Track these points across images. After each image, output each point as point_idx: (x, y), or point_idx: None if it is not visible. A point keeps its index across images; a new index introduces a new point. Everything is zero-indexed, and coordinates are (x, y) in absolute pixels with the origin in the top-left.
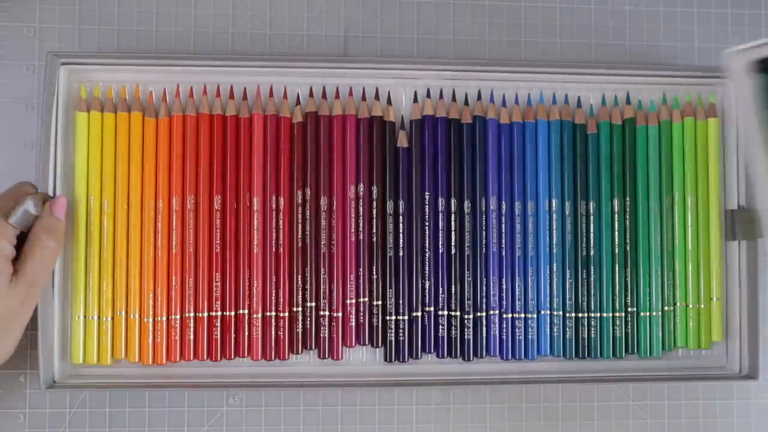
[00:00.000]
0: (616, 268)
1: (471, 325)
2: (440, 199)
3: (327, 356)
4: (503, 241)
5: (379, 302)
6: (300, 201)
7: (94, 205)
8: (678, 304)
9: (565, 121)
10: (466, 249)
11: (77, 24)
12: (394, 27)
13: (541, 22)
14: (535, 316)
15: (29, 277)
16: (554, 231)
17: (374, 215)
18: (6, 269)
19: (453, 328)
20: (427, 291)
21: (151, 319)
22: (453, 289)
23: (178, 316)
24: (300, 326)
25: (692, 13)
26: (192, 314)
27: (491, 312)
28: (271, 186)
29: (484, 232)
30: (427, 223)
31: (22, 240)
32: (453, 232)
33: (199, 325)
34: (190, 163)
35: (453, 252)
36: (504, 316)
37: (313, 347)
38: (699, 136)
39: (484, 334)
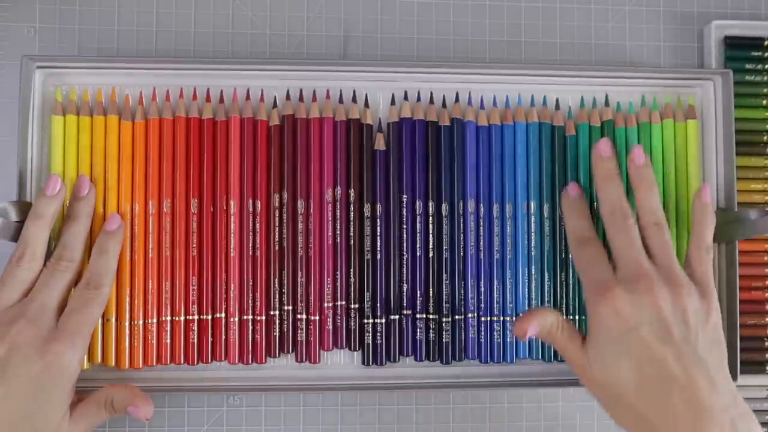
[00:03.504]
0: None
1: (449, 328)
2: (418, 202)
3: (304, 360)
4: (481, 243)
5: (357, 305)
6: (277, 204)
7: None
8: None
9: (543, 124)
10: (444, 252)
11: (77, 24)
12: (393, 27)
13: (541, 23)
14: (513, 318)
15: None
16: (532, 233)
17: (351, 218)
18: None
19: (431, 331)
20: (404, 294)
21: (127, 323)
22: (431, 292)
23: (154, 320)
24: (277, 330)
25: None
26: (169, 318)
27: (469, 315)
28: (248, 189)
29: (461, 234)
30: (404, 226)
31: None
32: (430, 235)
33: (175, 329)
34: (166, 167)
35: (431, 255)
36: (482, 319)
37: (291, 351)
38: (678, 138)
39: (462, 338)
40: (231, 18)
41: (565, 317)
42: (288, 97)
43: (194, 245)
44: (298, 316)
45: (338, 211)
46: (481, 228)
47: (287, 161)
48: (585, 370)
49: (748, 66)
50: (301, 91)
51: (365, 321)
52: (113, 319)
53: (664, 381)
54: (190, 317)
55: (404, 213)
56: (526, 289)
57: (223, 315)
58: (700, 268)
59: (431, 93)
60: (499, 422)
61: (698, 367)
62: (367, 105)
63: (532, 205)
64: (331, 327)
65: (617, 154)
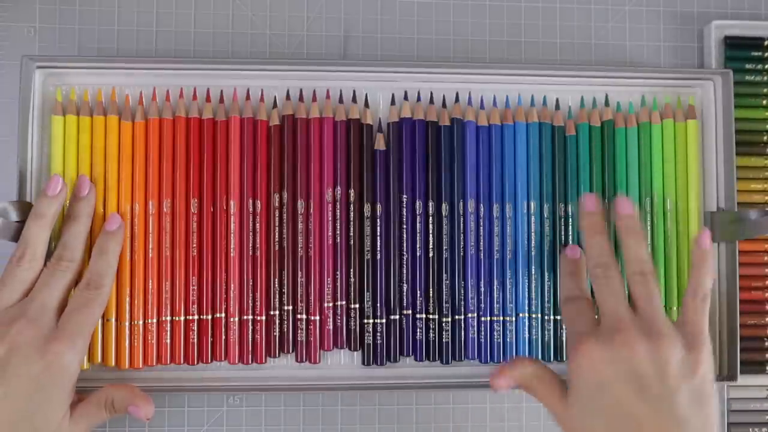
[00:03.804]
0: None
1: (449, 328)
2: (418, 202)
3: (304, 360)
4: (481, 243)
5: (357, 305)
6: (277, 204)
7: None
8: None
9: (543, 123)
10: (444, 252)
11: (77, 24)
12: (393, 27)
13: (541, 23)
14: (513, 319)
15: None
16: (532, 233)
17: (351, 218)
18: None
19: (431, 331)
20: (404, 294)
21: (127, 323)
22: (431, 292)
23: (154, 320)
24: (277, 330)
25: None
26: (169, 318)
27: (469, 315)
28: (248, 189)
29: (461, 234)
30: (404, 226)
31: None
32: (431, 235)
33: (175, 329)
34: (166, 167)
35: (431, 255)
36: (482, 319)
37: (291, 351)
38: (678, 137)
39: (462, 338)
40: (231, 18)
41: (545, 365)
42: (288, 97)
43: (194, 245)
44: (298, 316)
45: (338, 211)
46: (481, 228)
47: (287, 161)
48: (564, 422)
49: (748, 66)
50: (301, 91)
51: (365, 321)
52: (113, 319)
53: None
54: (190, 317)
55: (404, 213)
56: (526, 289)
57: (223, 315)
58: (693, 317)
59: (431, 93)
60: (499, 422)
61: (677, 427)
62: (367, 105)
63: (532, 205)
64: (331, 327)
65: (616, 159)
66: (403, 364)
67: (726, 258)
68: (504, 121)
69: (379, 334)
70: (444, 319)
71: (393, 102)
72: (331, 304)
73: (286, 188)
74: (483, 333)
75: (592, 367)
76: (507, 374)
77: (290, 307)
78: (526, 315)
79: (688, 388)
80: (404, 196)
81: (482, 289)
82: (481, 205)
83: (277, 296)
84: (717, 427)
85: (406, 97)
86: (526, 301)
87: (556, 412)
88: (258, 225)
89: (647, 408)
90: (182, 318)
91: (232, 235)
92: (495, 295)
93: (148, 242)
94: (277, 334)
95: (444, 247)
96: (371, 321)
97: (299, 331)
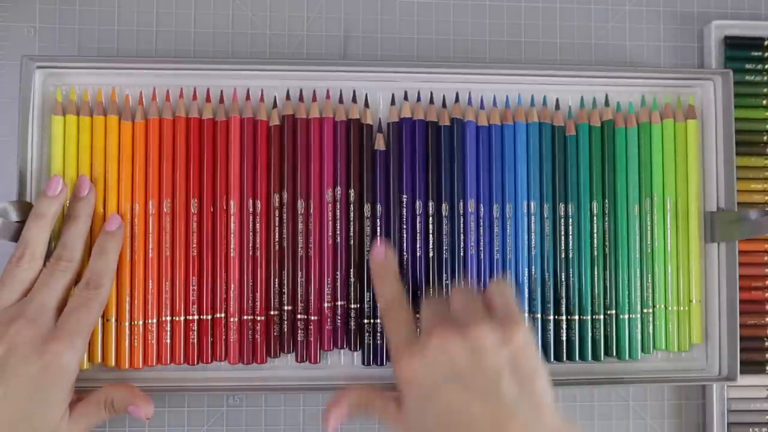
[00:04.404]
0: (595, 271)
1: None
2: (418, 202)
3: (304, 360)
4: (481, 243)
5: (357, 305)
6: (277, 204)
7: None
8: (657, 306)
9: (543, 124)
10: (444, 252)
11: (77, 24)
12: (393, 27)
13: (541, 23)
14: None
15: None
16: (533, 233)
17: (351, 218)
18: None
19: None
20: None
21: (127, 323)
22: (431, 292)
23: (154, 320)
24: (277, 330)
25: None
26: (169, 318)
27: None
28: (248, 189)
29: (462, 234)
30: (404, 226)
31: None
32: (431, 235)
33: (176, 329)
34: (166, 167)
35: (431, 255)
36: None
37: (291, 351)
38: (678, 137)
39: None
40: (231, 18)
41: (371, 387)
42: (288, 97)
43: (194, 245)
44: (298, 316)
45: (338, 211)
46: (481, 228)
47: (287, 161)
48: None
49: (748, 66)
50: (301, 91)
51: (365, 321)
52: (113, 319)
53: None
54: (190, 317)
55: (404, 213)
56: (527, 290)
57: (223, 315)
58: (498, 300)
59: (431, 93)
60: None
61: (507, 408)
62: (367, 105)
63: (532, 205)
64: (331, 327)
65: (616, 159)
66: None
67: (726, 258)
68: (504, 121)
69: (379, 334)
70: None
71: (393, 102)
72: (331, 304)
73: (286, 188)
74: None
75: (415, 377)
76: (335, 411)
77: (290, 307)
78: (526, 315)
79: (506, 363)
80: (404, 196)
81: (482, 289)
82: (481, 205)
83: (277, 296)
84: (549, 397)
85: (406, 97)
86: (526, 301)
87: (395, 425)
88: (258, 225)
89: (476, 400)
90: (182, 318)
91: (232, 235)
92: None
93: (148, 242)
94: (277, 334)
95: (444, 248)
96: (371, 321)
97: (299, 331)
